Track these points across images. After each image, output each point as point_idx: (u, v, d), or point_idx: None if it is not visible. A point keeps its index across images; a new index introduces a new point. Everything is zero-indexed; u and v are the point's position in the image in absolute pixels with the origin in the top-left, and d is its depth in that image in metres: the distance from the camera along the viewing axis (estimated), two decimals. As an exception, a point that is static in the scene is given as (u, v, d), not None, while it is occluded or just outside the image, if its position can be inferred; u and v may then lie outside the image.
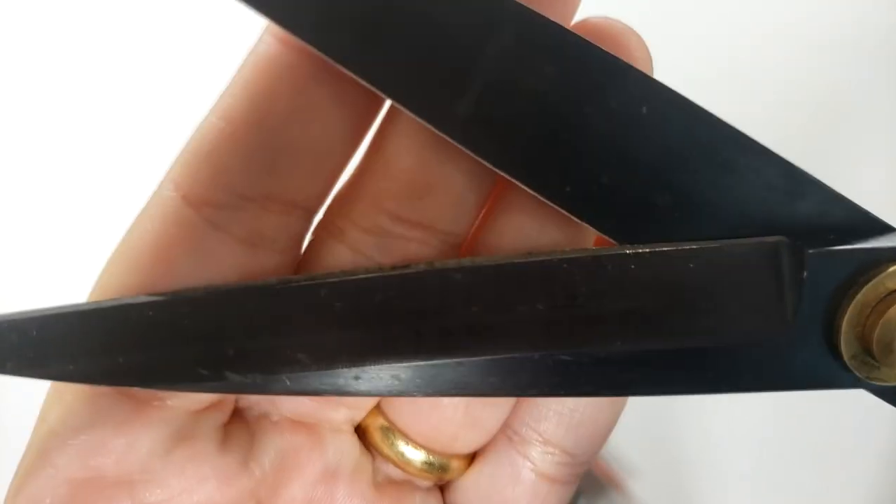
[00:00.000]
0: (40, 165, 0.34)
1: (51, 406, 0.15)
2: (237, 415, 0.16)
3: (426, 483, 0.17)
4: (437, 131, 0.14)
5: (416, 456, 0.17)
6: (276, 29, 0.14)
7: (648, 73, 0.14)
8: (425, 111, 0.14)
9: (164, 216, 0.14)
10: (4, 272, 0.32)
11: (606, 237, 0.15)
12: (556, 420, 0.16)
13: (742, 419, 0.33)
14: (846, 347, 0.15)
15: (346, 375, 0.15)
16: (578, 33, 0.13)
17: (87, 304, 0.14)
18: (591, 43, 0.13)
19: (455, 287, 0.14)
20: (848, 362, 0.15)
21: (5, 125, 0.34)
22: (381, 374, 0.15)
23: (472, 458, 0.17)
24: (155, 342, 0.14)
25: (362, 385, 0.15)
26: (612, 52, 0.13)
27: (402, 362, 0.14)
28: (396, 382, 0.15)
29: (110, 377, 0.14)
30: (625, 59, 0.13)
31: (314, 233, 0.16)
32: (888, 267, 0.14)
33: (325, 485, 0.16)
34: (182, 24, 0.33)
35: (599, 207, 0.15)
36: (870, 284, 0.14)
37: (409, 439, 0.17)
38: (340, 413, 0.16)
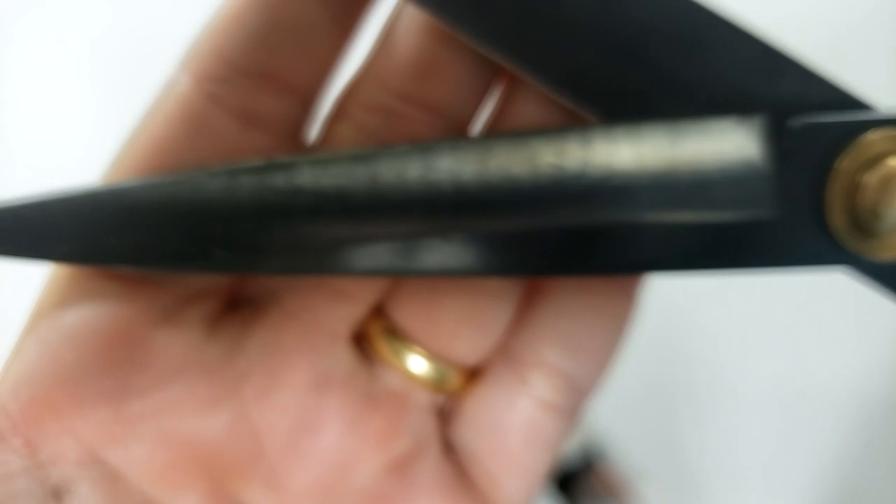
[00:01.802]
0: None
1: (43, 290, 0.15)
2: (232, 307, 0.16)
3: (424, 396, 0.17)
4: (422, 10, 0.14)
5: (417, 363, 0.17)
6: None
7: None
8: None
9: (171, 97, 0.15)
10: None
11: (592, 114, 0.15)
12: (555, 341, 0.16)
13: (752, 422, 0.33)
14: (833, 218, 0.15)
15: (342, 252, 0.15)
16: None
17: (82, 187, 0.15)
18: None
19: (447, 164, 0.14)
20: (836, 234, 0.15)
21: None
22: (376, 250, 0.15)
23: (470, 376, 0.17)
24: (145, 223, 0.14)
25: (358, 262, 0.15)
26: None
27: (394, 233, 0.14)
28: (392, 258, 0.15)
29: (102, 258, 0.14)
30: None
31: (324, 121, 0.16)
32: (866, 135, 0.15)
33: (316, 394, 0.16)
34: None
35: (582, 84, 0.15)
36: (850, 153, 0.15)
37: (411, 341, 0.16)
38: (342, 308, 0.16)
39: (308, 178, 0.14)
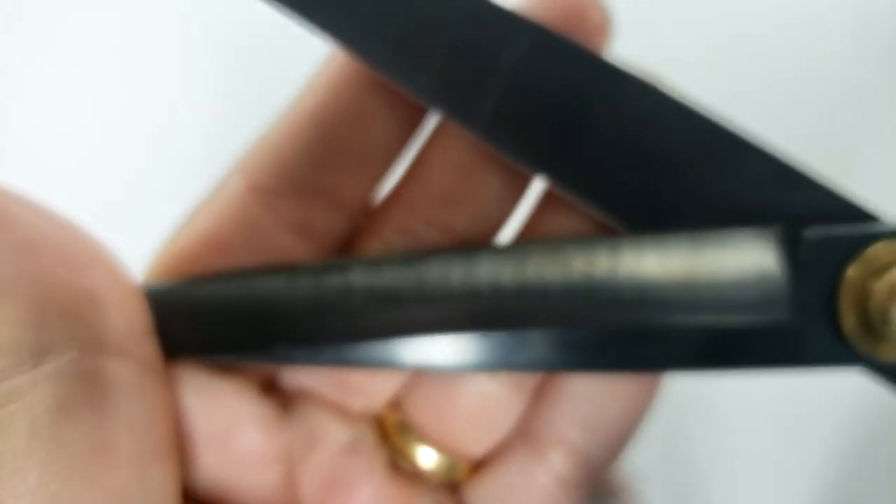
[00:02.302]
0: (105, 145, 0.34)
1: None
2: (269, 384, 0.17)
3: (437, 482, 0.18)
4: (465, 129, 0.16)
5: (427, 456, 0.18)
6: (338, 54, 0.16)
7: (607, 38, 0.16)
8: (455, 112, 0.16)
9: (226, 200, 0.16)
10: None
11: (619, 225, 0.16)
12: (575, 421, 0.17)
13: (754, 426, 0.33)
14: (845, 322, 0.16)
15: (379, 349, 0.16)
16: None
17: (150, 285, 0.16)
18: (590, 51, 0.16)
19: (474, 272, 0.16)
20: (849, 338, 0.16)
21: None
22: (408, 349, 0.16)
23: (480, 464, 0.18)
24: (210, 319, 0.16)
25: (394, 359, 0.16)
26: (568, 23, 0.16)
27: (424, 334, 0.16)
28: (425, 356, 0.16)
29: (171, 351, 0.16)
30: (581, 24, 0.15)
31: (356, 236, 0.17)
32: (873, 246, 0.16)
33: (350, 456, 0.17)
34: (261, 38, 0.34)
35: (612, 197, 0.16)
36: (859, 262, 0.16)
37: (422, 435, 0.18)
38: (358, 401, 0.17)
39: (361, 278, 0.16)
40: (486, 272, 0.16)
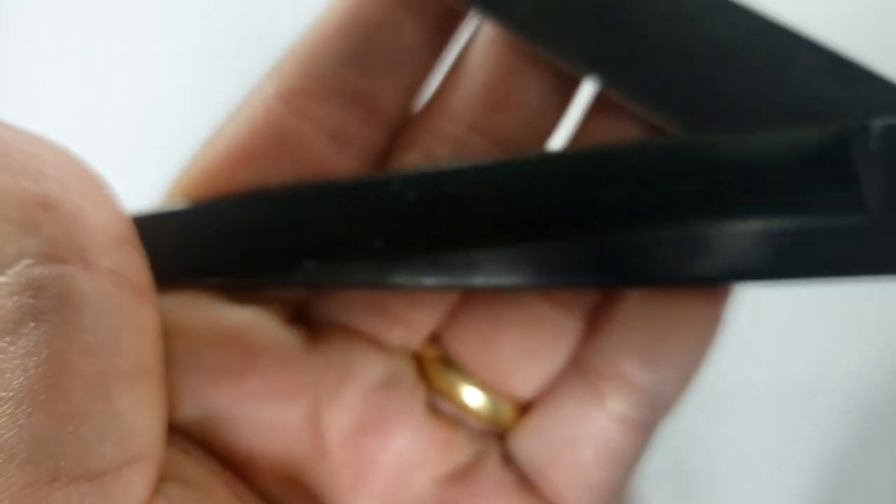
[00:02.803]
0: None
1: None
2: (298, 314, 0.16)
3: (480, 425, 0.16)
4: (505, 29, 0.15)
5: (472, 397, 0.16)
6: None
7: None
8: (493, 11, 0.15)
9: (254, 109, 0.15)
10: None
11: (674, 127, 0.15)
12: (634, 353, 0.15)
13: (755, 422, 0.32)
14: (932, 218, 0.15)
15: (421, 264, 0.14)
16: None
17: (166, 207, 0.15)
18: None
19: (527, 175, 0.14)
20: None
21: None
22: (455, 263, 0.14)
23: (525, 408, 0.16)
24: (234, 237, 0.14)
25: (438, 276, 0.15)
26: None
27: (475, 250, 0.14)
28: (471, 272, 0.15)
29: (190, 274, 0.14)
30: None
31: (393, 147, 0.16)
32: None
33: (383, 395, 0.15)
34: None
35: (665, 97, 0.15)
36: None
37: (466, 373, 0.16)
38: (396, 333, 0.16)
39: (400, 185, 0.14)
40: (541, 171, 0.14)
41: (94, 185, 0.13)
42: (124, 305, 0.12)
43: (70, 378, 0.11)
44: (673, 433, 0.32)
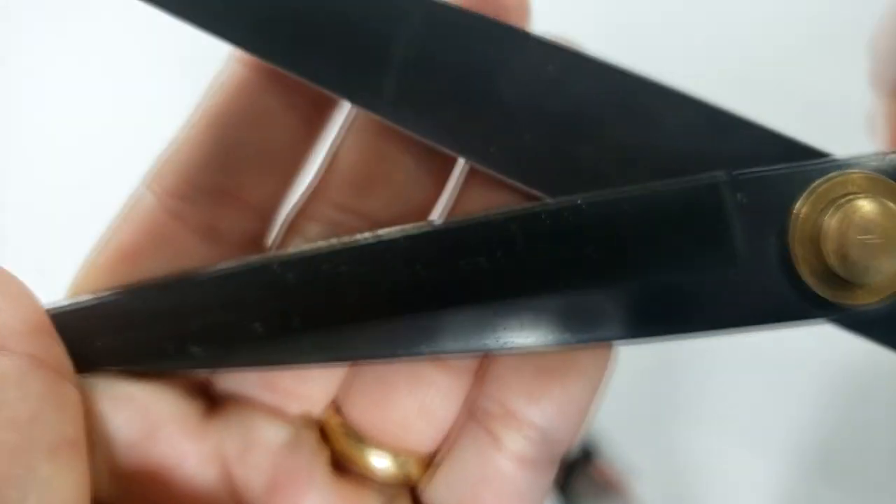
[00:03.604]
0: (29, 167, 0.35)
1: None
2: (198, 389, 0.17)
3: (389, 482, 0.17)
4: (369, 112, 0.16)
5: (377, 460, 0.16)
6: (238, 53, 0.16)
7: (526, 22, 0.16)
8: (355, 95, 0.16)
9: (134, 212, 0.16)
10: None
11: (542, 195, 0.15)
12: (519, 391, 0.16)
13: (747, 421, 0.32)
14: (804, 268, 0.14)
15: (300, 343, 0.15)
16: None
17: (69, 300, 0.16)
18: (488, 18, 0.15)
19: (398, 251, 0.15)
20: (811, 285, 0.14)
21: None
22: (333, 340, 0.15)
23: (433, 459, 0.17)
24: (128, 326, 0.16)
25: (317, 353, 0.15)
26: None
27: (352, 326, 0.15)
28: (350, 347, 0.15)
29: (88, 361, 0.15)
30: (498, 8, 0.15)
31: (278, 234, 0.17)
32: (821, 181, 0.14)
33: (289, 456, 0.16)
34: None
35: (526, 165, 0.15)
36: (807, 200, 0.14)
37: (367, 438, 0.16)
38: (293, 405, 0.16)
39: (277, 262, 0.15)
40: (410, 244, 0.15)
41: (8, 282, 0.15)
42: (44, 384, 0.14)
43: None
44: (672, 437, 0.32)
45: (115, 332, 0.16)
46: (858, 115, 0.26)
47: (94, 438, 0.15)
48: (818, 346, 0.31)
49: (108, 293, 0.16)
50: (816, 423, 0.31)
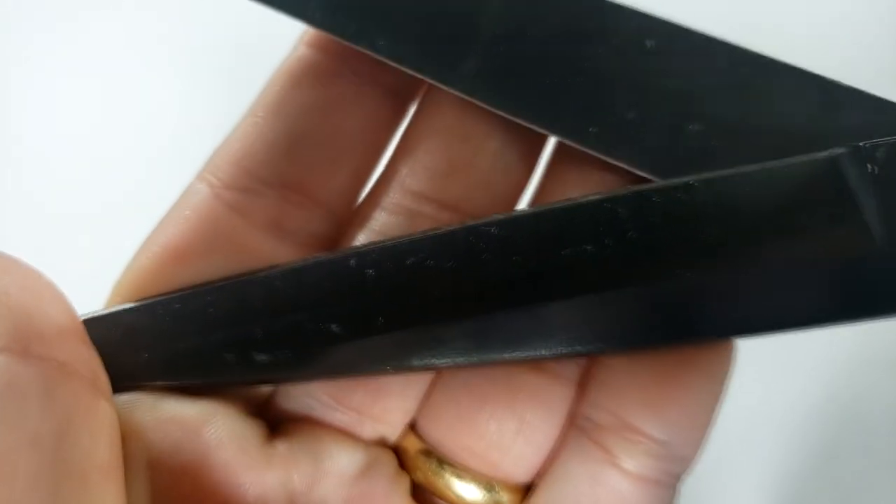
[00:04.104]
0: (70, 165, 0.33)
1: None
2: (258, 411, 0.15)
3: None
4: (452, 91, 0.14)
5: (465, 490, 0.14)
6: (306, 36, 0.15)
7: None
8: (438, 72, 0.14)
9: (187, 207, 0.14)
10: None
11: (648, 176, 0.14)
12: (634, 398, 0.14)
13: (751, 421, 0.30)
14: (948, 243, 0.13)
15: (384, 344, 0.13)
16: None
17: (111, 308, 0.14)
18: None
19: (490, 241, 0.13)
20: (957, 261, 0.13)
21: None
22: (421, 341, 0.13)
23: (527, 489, 0.15)
24: (181, 334, 0.13)
25: (402, 357, 0.13)
26: None
27: (440, 324, 0.13)
28: (439, 349, 0.13)
29: (131, 376, 0.13)
30: None
31: (344, 229, 0.15)
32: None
33: (364, 486, 0.14)
34: (224, 29, 0.34)
35: (631, 145, 0.14)
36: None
37: (452, 463, 0.14)
38: (367, 426, 0.14)
39: (356, 262, 0.13)
40: (503, 233, 0.13)
41: (36, 282, 0.13)
42: (74, 398, 0.11)
43: (11, 470, 0.10)
44: None
45: (163, 342, 0.14)
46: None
47: (135, 464, 0.13)
48: (818, 346, 0.30)
49: (155, 298, 0.14)
50: (816, 424, 0.30)
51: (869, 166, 0.13)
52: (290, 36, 0.15)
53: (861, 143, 0.13)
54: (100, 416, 0.12)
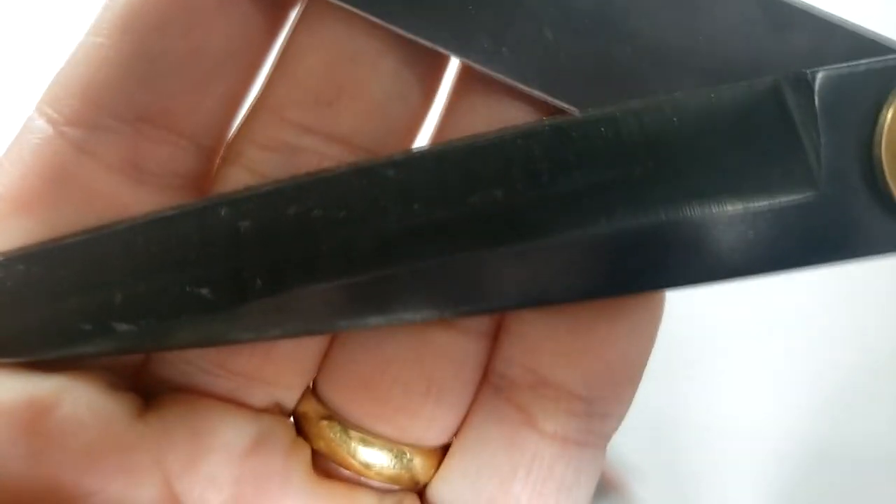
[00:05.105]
0: None
1: None
2: (125, 383, 0.13)
3: (388, 484, 0.13)
4: (341, 2, 0.12)
5: (372, 457, 0.13)
6: None
7: None
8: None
9: (26, 148, 0.12)
10: None
11: (567, 106, 0.12)
12: (554, 352, 0.12)
13: (748, 420, 0.31)
14: (893, 186, 0.12)
15: (263, 310, 0.11)
16: None
17: None
18: None
19: (387, 184, 0.12)
20: (900, 204, 0.12)
21: None
22: (308, 303, 0.12)
23: (441, 454, 0.13)
24: (28, 302, 0.11)
25: (286, 322, 0.12)
26: None
27: (332, 282, 0.11)
28: (329, 311, 0.12)
29: None
30: None
31: (213, 167, 0.13)
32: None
33: (256, 461, 0.12)
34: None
35: (548, 70, 0.12)
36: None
37: (357, 428, 0.13)
38: (257, 393, 0.13)
39: (228, 213, 0.11)
40: (401, 176, 0.11)
41: None
42: None
43: None
44: (673, 436, 0.31)
45: (5, 311, 0.12)
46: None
47: None
48: (818, 347, 0.30)
49: (-4, 256, 0.12)
50: (817, 425, 0.31)
51: (811, 99, 0.12)
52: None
53: (806, 70, 0.12)
54: None
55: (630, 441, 0.31)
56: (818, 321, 0.30)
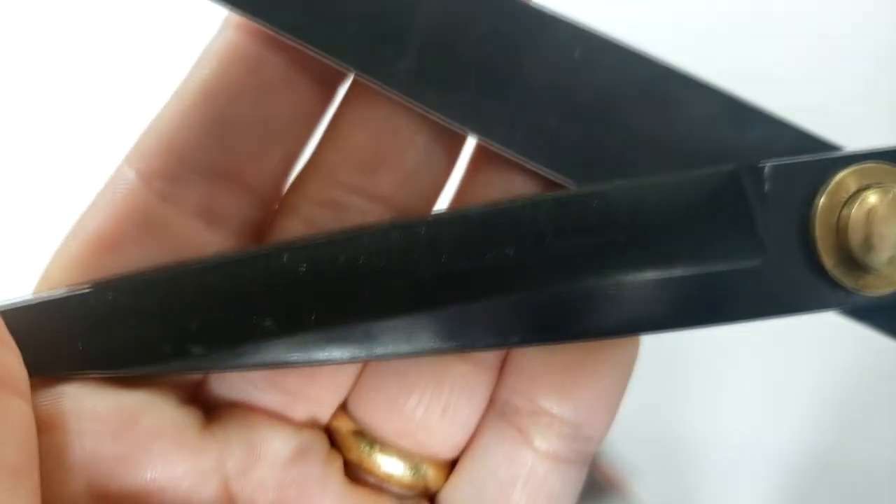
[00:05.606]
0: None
1: None
2: (194, 395, 0.15)
3: (405, 491, 0.16)
4: (383, 88, 0.14)
5: (392, 466, 0.15)
6: (234, 19, 0.15)
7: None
8: (371, 69, 0.14)
9: (116, 194, 0.14)
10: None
11: (567, 181, 0.15)
12: (546, 384, 0.15)
13: (747, 420, 0.32)
14: (826, 256, 0.14)
15: (315, 340, 0.14)
16: None
17: (42, 295, 0.14)
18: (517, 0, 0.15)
19: (419, 240, 0.14)
20: (832, 272, 0.14)
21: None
22: (351, 335, 0.14)
23: (452, 465, 0.16)
24: (116, 324, 0.14)
25: (334, 350, 0.14)
26: None
27: (371, 320, 0.14)
28: (369, 343, 0.14)
29: (70, 365, 0.13)
30: None
31: (272, 216, 0.16)
32: (842, 172, 0.15)
33: (297, 469, 0.15)
34: (148, 15, 0.33)
35: (552, 151, 0.15)
36: (829, 191, 0.14)
37: (380, 443, 0.15)
38: (300, 409, 0.15)
39: (290, 258, 0.14)
40: (433, 234, 0.14)
41: None
42: None
43: None
44: (672, 435, 0.32)
45: (96, 332, 0.14)
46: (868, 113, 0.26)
47: (67, 456, 0.13)
48: (818, 348, 0.31)
49: (86, 286, 0.14)
50: (817, 426, 0.32)
51: (763, 184, 0.15)
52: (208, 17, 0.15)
53: (759, 161, 0.15)
54: (9, 414, 0.12)
55: (628, 439, 0.32)
56: (820, 328, 0.31)
